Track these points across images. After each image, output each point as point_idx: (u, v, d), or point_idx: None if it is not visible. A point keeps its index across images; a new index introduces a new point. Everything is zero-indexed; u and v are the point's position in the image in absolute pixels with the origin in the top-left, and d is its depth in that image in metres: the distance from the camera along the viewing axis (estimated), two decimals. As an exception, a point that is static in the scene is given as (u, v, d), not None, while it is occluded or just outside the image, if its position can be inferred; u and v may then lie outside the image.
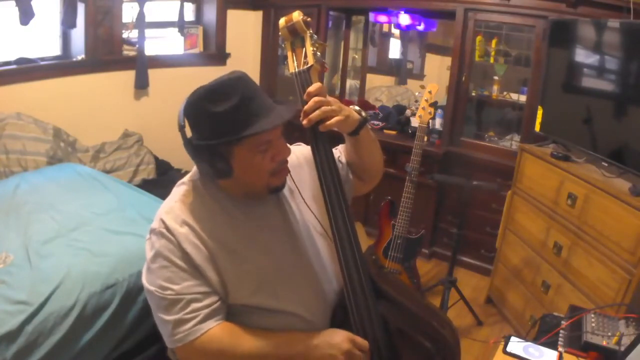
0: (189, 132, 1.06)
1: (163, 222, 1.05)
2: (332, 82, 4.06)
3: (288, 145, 1.12)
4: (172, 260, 1.03)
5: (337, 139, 1.20)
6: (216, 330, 1.03)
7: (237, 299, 1.07)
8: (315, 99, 1.03)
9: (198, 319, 1.02)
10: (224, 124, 0.99)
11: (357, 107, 1.15)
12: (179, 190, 1.12)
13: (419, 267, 2.73)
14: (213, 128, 1.01)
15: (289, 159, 1.16)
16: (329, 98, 1.06)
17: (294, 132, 1.15)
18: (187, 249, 1.03)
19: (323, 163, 1.08)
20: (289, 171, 1.13)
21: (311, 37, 1.08)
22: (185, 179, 1.15)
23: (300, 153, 1.26)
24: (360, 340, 1.06)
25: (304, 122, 1.04)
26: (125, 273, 1.65)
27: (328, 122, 1.04)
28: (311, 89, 1.04)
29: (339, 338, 1.06)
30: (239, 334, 1.05)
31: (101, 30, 2.92)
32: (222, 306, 1.06)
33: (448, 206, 3.13)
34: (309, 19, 1.10)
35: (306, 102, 1.04)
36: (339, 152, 1.27)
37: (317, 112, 1.03)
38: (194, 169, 1.14)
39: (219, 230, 1.07)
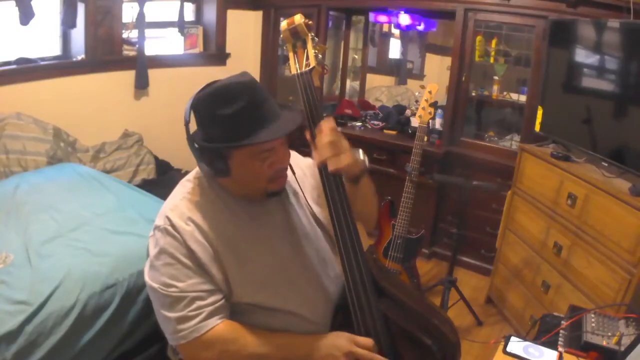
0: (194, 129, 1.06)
1: (168, 219, 1.05)
2: (332, 88, 4.06)
3: (289, 151, 1.12)
4: (177, 258, 1.03)
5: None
6: (220, 328, 1.04)
7: (241, 297, 1.07)
8: (330, 138, 1.01)
9: (202, 316, 1.02)
10: (226, 128, 1.01)
11: (361, 155, 1.16)
12: (184, 187, 1.13)
13: (419, 267, 2.73)
14: (215, 130, 1.02)
15: (291, 160, 1.17)
16: (340, 138, 1.04)
17: (294, 132, 1.16)
18: (192, 246, 1.03)
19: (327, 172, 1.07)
20: (287, 177, 1.14)
21: (312, 39, 1.11)
22: (190, 176, 1.15)
23: (304, 159, 1.27)
24: (362, 339, 1.06)
25: (317, 164, 1.04)
26: (125, 273, 1.65)
27: (339, 167, 1.03)
28: (324, 126, 1.02)
29: (340, 339, 1.07)
30: (243, 333, 1.05)
31: (101, 30, 2.92)
32: (226, 304, 1.07)
33: (448, 206, 3.13)
34: (310, 22, 1.12)
35: (309, 107, 1.05)
36: None
37: (332, 159, 1.02)
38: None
39: (223, 228, 1.07)
